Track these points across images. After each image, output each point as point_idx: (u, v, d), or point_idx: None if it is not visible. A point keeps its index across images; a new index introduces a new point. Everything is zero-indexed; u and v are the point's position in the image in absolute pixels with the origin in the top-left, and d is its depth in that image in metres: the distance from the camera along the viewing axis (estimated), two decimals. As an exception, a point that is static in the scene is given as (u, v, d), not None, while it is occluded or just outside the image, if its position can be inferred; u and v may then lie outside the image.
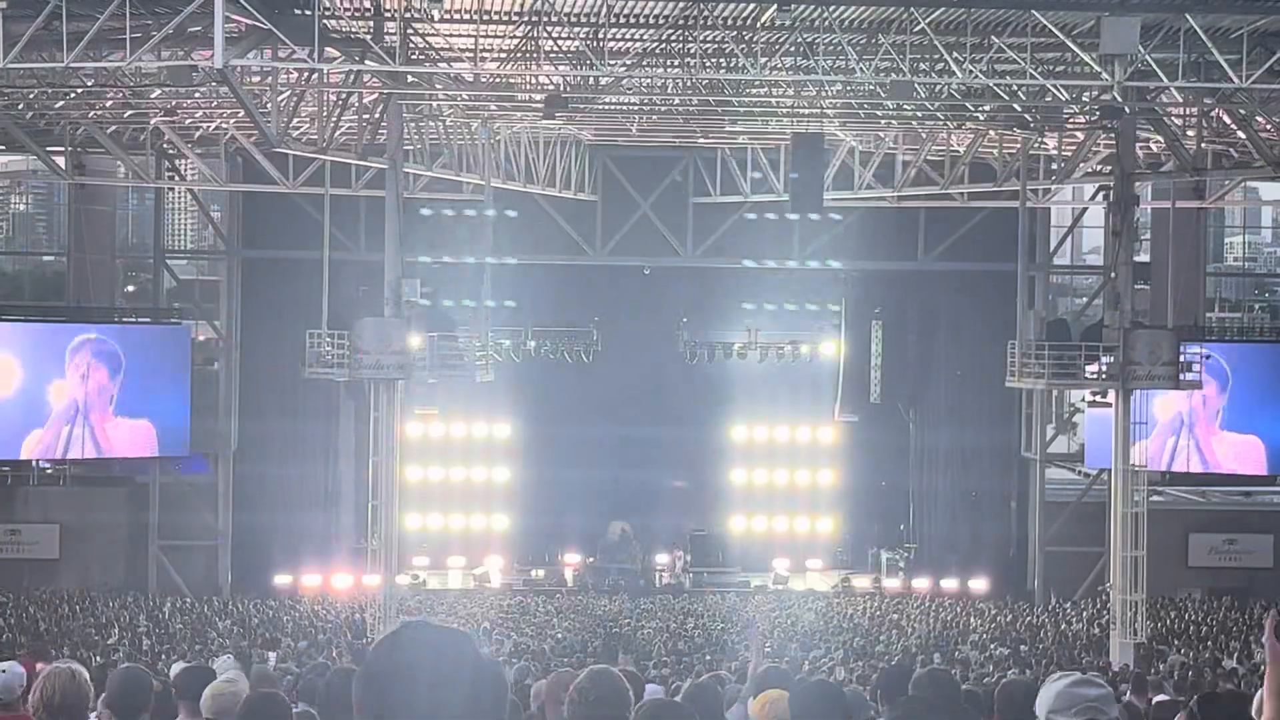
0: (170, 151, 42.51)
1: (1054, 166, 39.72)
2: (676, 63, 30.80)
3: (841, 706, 7.23)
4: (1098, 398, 37.33)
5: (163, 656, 28.83)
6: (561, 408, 46.62)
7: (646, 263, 45.97)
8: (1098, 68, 26.67)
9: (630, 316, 46.57)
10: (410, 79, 32.07)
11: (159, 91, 35.58)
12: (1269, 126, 34.74)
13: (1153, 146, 39.55)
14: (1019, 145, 39.12)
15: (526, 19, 29.20)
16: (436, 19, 29.12)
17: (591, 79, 31.89)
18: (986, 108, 34.99)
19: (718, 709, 8.29)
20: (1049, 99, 32.42)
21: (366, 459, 34.73)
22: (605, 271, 46.38)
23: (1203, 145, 35.66)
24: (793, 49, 28.91)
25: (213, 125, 40.00)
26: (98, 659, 26.18)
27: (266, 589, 43.46)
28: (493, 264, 37.85)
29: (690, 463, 47.69)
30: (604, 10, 27.68)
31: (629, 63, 30.82)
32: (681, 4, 27.72)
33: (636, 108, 38.53)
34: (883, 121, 38.28)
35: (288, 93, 33.91)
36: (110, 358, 41.83)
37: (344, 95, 34.24)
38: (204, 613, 39.42)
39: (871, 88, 31.69)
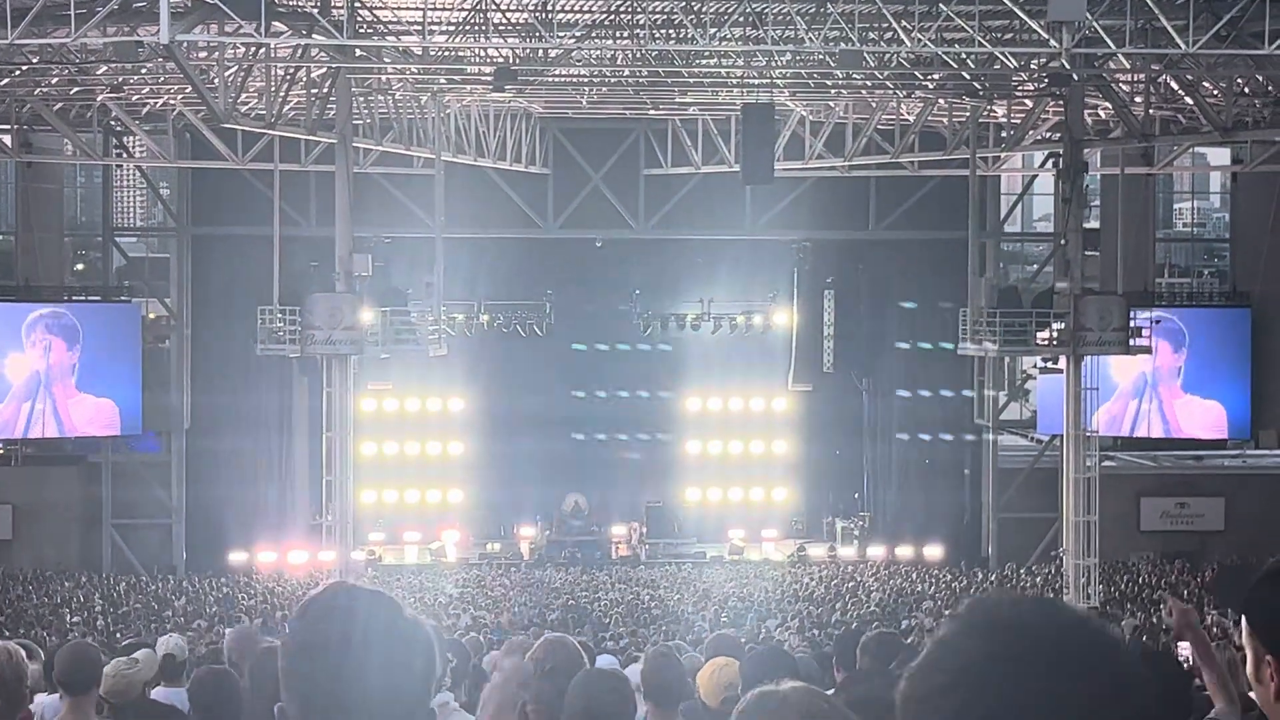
0: (118, 128, 42.22)
1: (1003, 134, 39.86)
2: (625, 34, 30.75)
3: (792, 673, 7.25)
4: (1048, 364, 37.56)
5: (118, 636, 28.72)
6: (515, 381, 46.58)
7: (599, 235, 45.91)
8: (1045, 35, 26.74)
9: (583, 289, 46.56)
10: (358, 53, 31.95)
11: (105, 68, 35.38)
12: (1216, 92, 34.91)
13: (1101, 113, 39.75)
14: (968, 114, 39.25)
15: (475, -9, 29.11)
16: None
17: (540, 51, 31.83)
18: (935, 76, 35.07)
19: (679, 678, 8.30)
20: (997, 67, 32.50)
21: (320, 435, 34.67)
22: (557, 245, 46.32)
23: (1151, 111, 35.89)
24: (741, 19, 28.90)
25: (160, 101, 39.75)
26: (53, 639, 26.07)
27: (222, 566, 43.33)
28: (444, 238, 37.69)
29: (645, 434, 47.75)
30: (552, -18, 27.62)
31: (578, 34, 30.77)
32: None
33: (586, 80, 38.46)
34: (832, 91, 38.34)
35: (235, 68, 33.71)
36: (68, 330, 41.68)
37: (292, 70, 34.08)
38: (159, 591, 39.29)
39: (821, 57, 31.72)
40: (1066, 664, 1.81)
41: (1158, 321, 38.05)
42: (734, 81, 37.23)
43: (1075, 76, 32.69)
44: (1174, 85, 35.46)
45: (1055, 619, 1.86)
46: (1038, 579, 40.82)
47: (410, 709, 2.82)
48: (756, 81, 36.41)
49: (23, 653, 6.85)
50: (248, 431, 45.07)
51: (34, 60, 34.04)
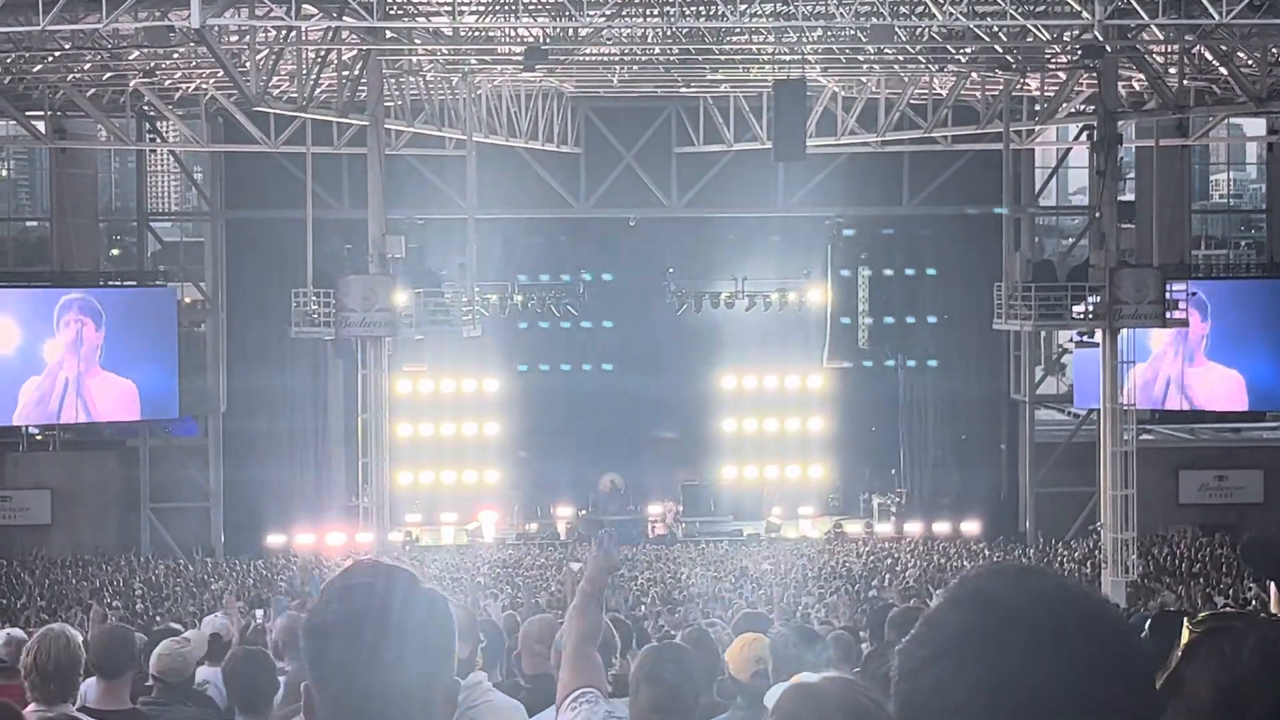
0: (150, 113, 42.34)
1: (1037, 108, 39.66)
2: (656, 12, 30.68)
3: (820, 647, 7.25)
4: (1084, 338, 37.39)
5: (157, 619, 28.85)
6: (550, 361, 46.65)
7: (631, 214, 45.83)
8: (1078, 6, 26.59)
9: (616, 268, 46.54)
10: (389, 34, 31.94)
11: (137, 53, 35.47)
12: (1250, 62, 34.65)
13: (1135, 85, 39.49)
14: (1001, 87, 39.02)
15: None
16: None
17: (571, 30, 31.76)
18: (968, 50, 34.89)
19: (714, 655, 8.32)
20: (1030, 40, 32.33)
21: (356, 417, 34.75)
22: (590, 224, 46.28)
23: (1185, 82, 35.62)
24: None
25: (192, 86, 39.85)
26: (92, 622, 26.19)
27: (259, 549, 43.51)
28: (477, 219, 37.73)
29: (680, 413, 47.67)
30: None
31: (608, 13, 30.67)
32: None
33: (617, 58, 38.39)
34: (864, 66, 38.18)
35: (266, 51, 33.73)
36: (94, 312, 41.91)
37: (323, 52, 34.12)
38: (197, 574, 39.48)
39: (852, 32, 31.58)
40: (1049, 635, 1.78)
41: (1193, 294, 37.80)
42: (765, 58, 37.10)
43: (1108, 48, 32.48)
44: (1208, 55, 35.19)
45: (1039, 589, 1.82)
46: (1076, 553, 40.69)
47: (428, 684, 2.82)
48: (788, 58, 36.27)
49: (79, 638, 6.88)
50: (284, 414, 45.21)
51: (66, 46, 34.14)
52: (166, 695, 7.89)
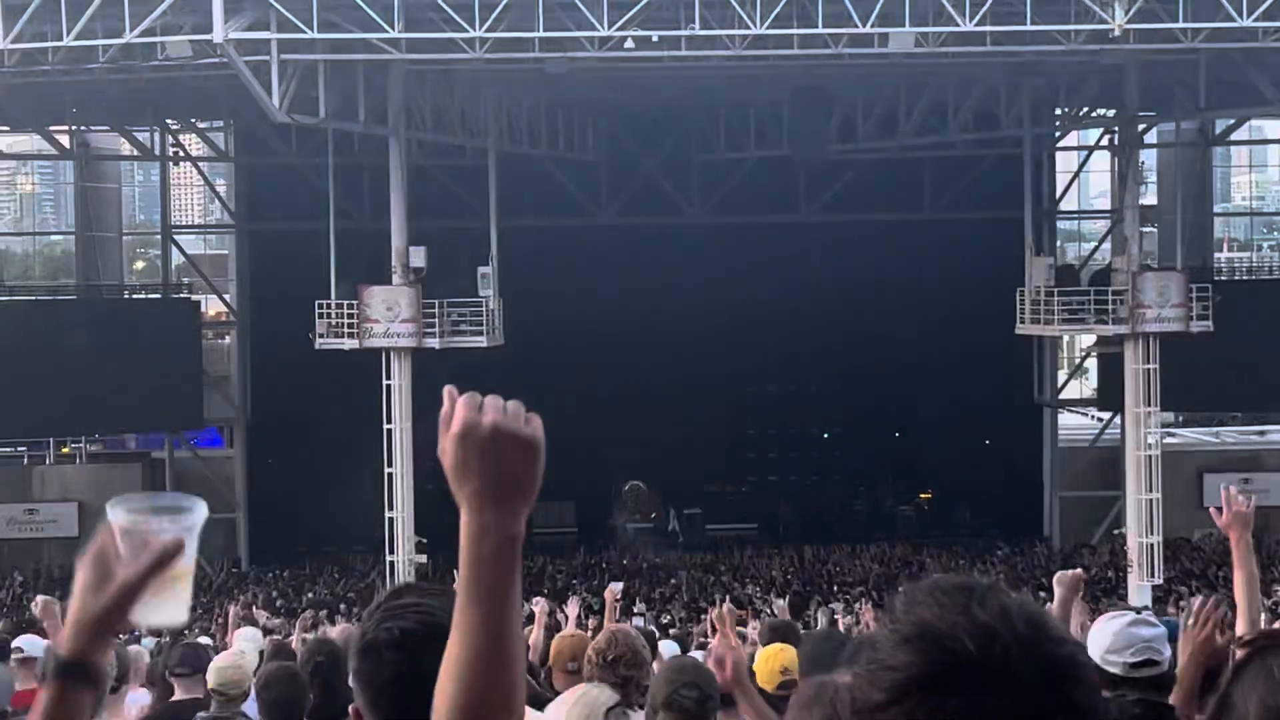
0: (174, 127, 42.50)
1: (1058, 111, 39.60)
2: (676, 21, 30.67)
3: (848, 655, 7.27)
4: (1108, 343, 37.37)
5: (184, 633, 28.92)
6: (574, 368, 46.62)
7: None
8: (1099, 9, 26.58)
9: (638, 277, 46.44)
10: (409, 44, 31.98)
11: (158, 64, 35.53)
12: (1273, 64, 34.56)
13: (1157, 88, 39.40)
14: (1022, 91, 38.92)
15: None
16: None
17: (592, 40, 31.77)
18: (989, 53, 34.80)
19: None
20: (1051, 43, 32.27)
21: (381, 428, 34.83)
22: (611, 231, 46.20)
23: (1206, 85, 35.54)
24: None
25: (214, 99, 39.93)
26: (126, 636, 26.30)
27: (286, 561, 43.59)
28: (498, 228, 37.78)
29: (703, 420, 47.62)
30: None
31: (629, 18, 30.68)
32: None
33: (638, 66, 38.35)
34: (886, 71, 38.13)
35: (288, 63, 33.78)
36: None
37: (344, 63, 34.18)
38: (225, 585, 39.59)
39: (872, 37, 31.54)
40: (995, 672, 1.81)
41: (1219, 298, 37.68)
42: (784, 64, 37.05)
43: (1131, 51, 32.43)
44: (1230, 58, 35.11)
45: (984, 624, 1.83)
46: (1102, 558, 40.59)
47: None
48: (806, 63, 36.15)
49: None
50: (309, 425, 45.29)
51: (88, 63, 34.25)
52: (228, 709, 7.86)
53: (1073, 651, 1.87)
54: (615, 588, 10.97)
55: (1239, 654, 2.35)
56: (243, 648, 9.33)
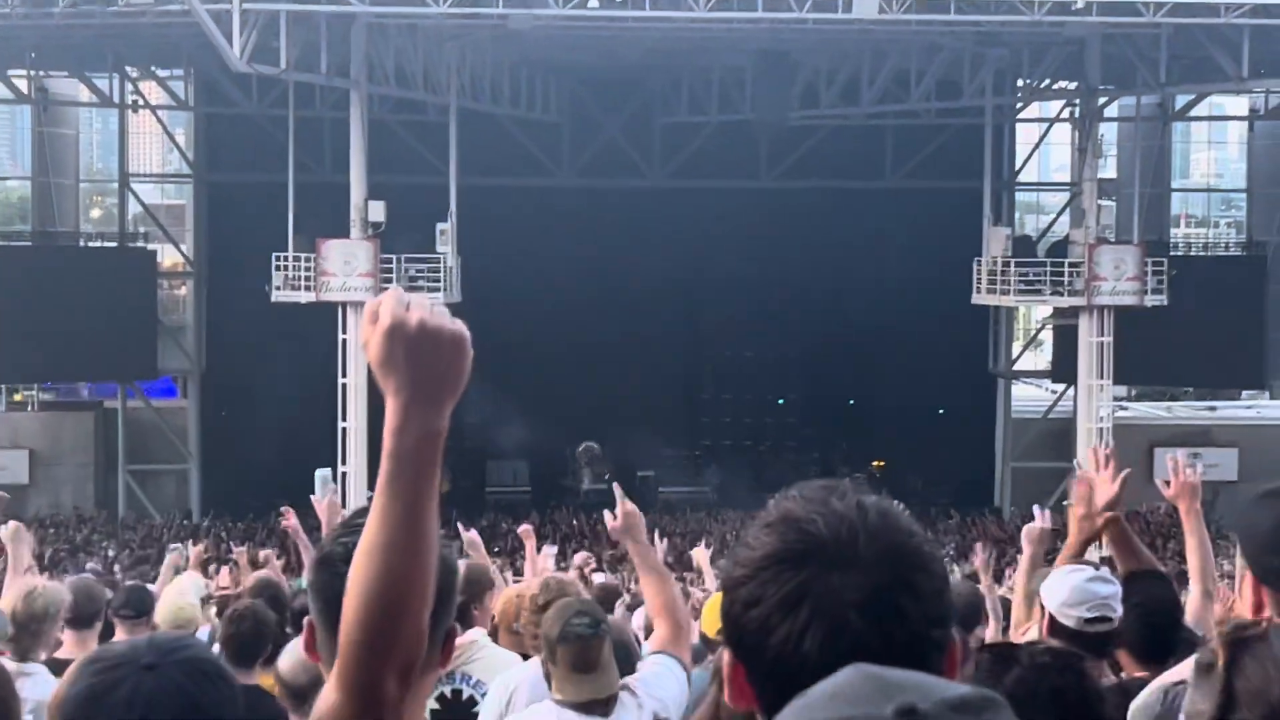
0: (133, 75, 42.19)
1: (1020, 83, 39.69)
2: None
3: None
4: (1062, 314, 37.58)
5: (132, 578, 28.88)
6: (530, 328, 46.53)
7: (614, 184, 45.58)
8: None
9: (597, 239, 46.38)
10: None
11: (119, 10, 35.27)
12: (1234, 40, 34.70)
13: (1118, 62, 39.54)
14: (985, 62, 39.01)
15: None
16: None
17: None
18: (951, 23, 34.86)
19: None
20: (1014, 14, 32.33)
21: (336, 382, 34.77)
22: (571, 193, 46.14)
23: (1168, 60, 35.68)
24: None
25: (175, 47, 39.66)
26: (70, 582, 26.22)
27: (238, 513, 43.46)
28: (457, 185, 37.67)
29: (658, 383, 47.69)
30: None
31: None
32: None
33: (601, 26, 38.27)
34: (849, 39, 38.14)
35: (250, 12, 33.59)
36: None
37: (306, 15, 33.99)
38: (175, 536, 39.46)
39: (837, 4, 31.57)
40: (845, 555, 1.95)
41: (1174, 272, 37.91)
42: (748, 27, 37.03)
43: (1093, 23, 32.53)
44: (1192, 33, 35.25)
45: (839, 513, 1.98)
46: (1053, 527, 40.81)
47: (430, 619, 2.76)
48: (770, 27, 36.17)
49: (56, 590, 7.04)
50: (264, 378, 45.09)
51: (49, 7, 33.99)
52: None
53: (920, 543, 2.02)
54: (527, 528, 11.03)
55: (1225, 648, 2.40)
56: (185, 588, 9.31)
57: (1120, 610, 5.38)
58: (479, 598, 7.52)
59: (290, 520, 11.73)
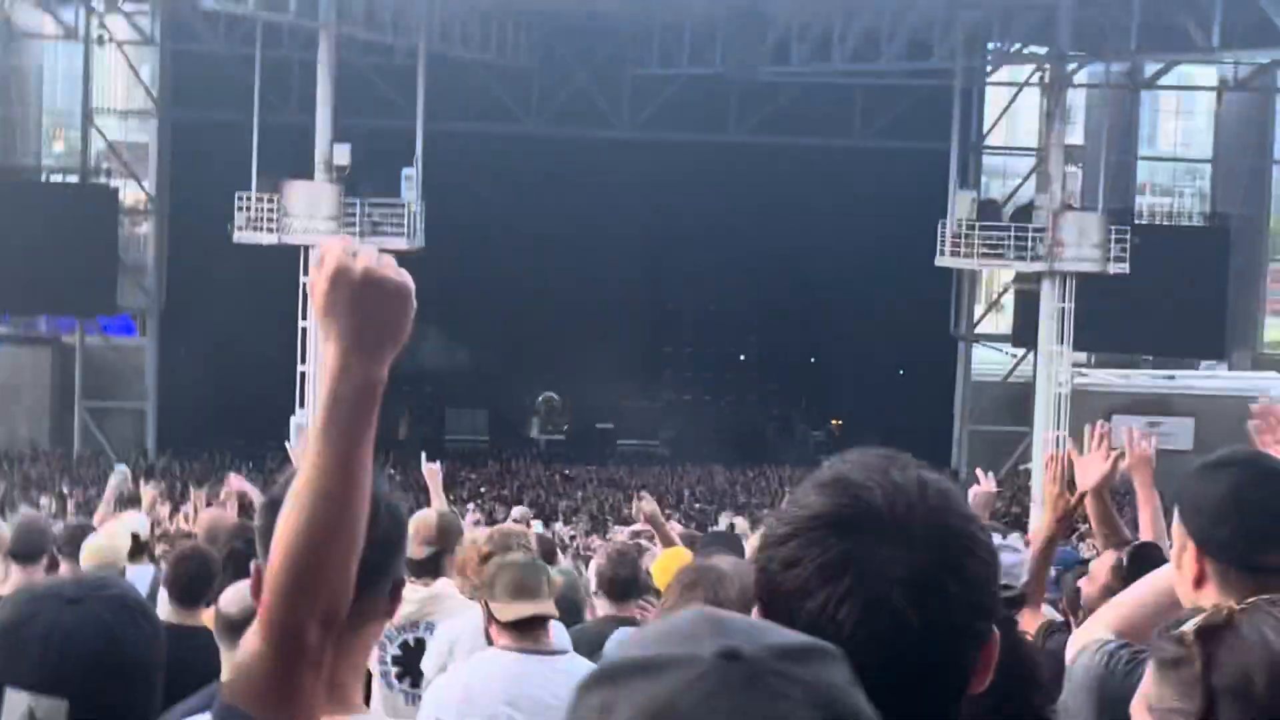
0: (99, 8, 41.78)
1: (990, 47, 39.67)
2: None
3: (741, 554, 7.33)
4: (1025, 279, 37.67)
5: (82, 517, 28.76)
6: (493, 276, 46.41)
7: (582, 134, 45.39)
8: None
9: (563, 189, 46.24)
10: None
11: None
12: (1206, 10, 34.75)
13: (1088, 29, 39.55)
14: (956, 26, 38.97)
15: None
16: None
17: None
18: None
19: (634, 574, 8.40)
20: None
21: (297, 325, 34.62)
22: (540, 140, 45.97)
23: (1137, 28, 35.70)
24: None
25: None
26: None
27: (193, 453, 43.32)
28: (424, 130, 37.48)
29: (620, 335, 47.62)
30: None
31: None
32: None
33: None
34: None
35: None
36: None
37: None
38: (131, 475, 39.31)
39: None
40: (897, 528, 1.87)
41: (1138, 241, 38.02)
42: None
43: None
44: (1163, 2, 35.28)
45: (899, 485, 1.90)
46: (1007, 493, 41.02)
47: (372, 569, 2.66)
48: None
49: None
50: (223, 318, 44.86)
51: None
52: None
53: (976, 529, 1.93)
54: (433, 467, 11.05)
55: (1197, 644, 2.37)
56: (115, 530, 9.23)
57: (1024, 578, 5.47)
58: (451, 548, 7.47)
59: (233, 483, 11.63)
